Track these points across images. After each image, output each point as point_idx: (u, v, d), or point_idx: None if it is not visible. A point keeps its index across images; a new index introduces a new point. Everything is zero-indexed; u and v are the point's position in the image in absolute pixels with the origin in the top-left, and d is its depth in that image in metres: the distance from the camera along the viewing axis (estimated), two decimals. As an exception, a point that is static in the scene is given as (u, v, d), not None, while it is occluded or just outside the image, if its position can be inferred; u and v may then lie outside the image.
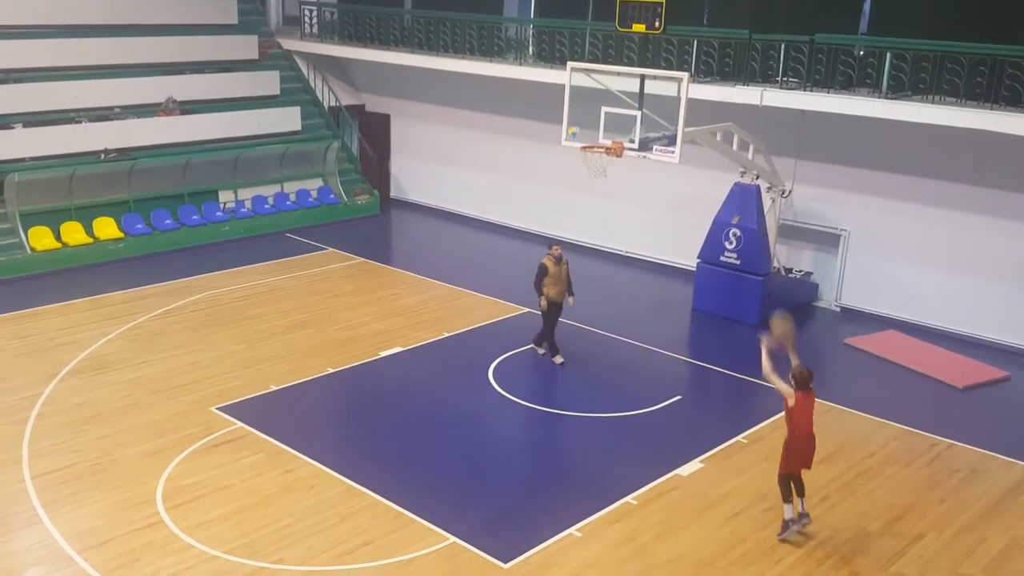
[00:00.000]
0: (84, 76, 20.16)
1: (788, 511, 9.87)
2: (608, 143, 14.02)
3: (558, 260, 13.92)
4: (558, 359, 14.26)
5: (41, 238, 18.07)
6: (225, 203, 21.04)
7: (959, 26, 14.97)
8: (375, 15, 22.60)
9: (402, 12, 22.83)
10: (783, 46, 16.14)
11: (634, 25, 14.54)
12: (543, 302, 13.98)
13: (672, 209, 19.05)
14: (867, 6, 16.51)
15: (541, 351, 14.53)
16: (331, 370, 13.83)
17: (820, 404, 12.98)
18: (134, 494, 10.30)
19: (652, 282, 18.81)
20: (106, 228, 18.88)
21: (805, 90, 15.90)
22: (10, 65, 19.31)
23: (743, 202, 16.22)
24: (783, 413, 9.72)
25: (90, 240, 18.56)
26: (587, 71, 14.73)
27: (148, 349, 14.33)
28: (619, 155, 13.96)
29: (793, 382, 9.55)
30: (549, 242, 14.46)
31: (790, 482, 9.84)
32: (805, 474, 9.92)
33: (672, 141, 13.87)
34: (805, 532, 9.94)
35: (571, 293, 14.18)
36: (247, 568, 9.11)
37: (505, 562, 9.34)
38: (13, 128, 18.61)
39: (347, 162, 23.78)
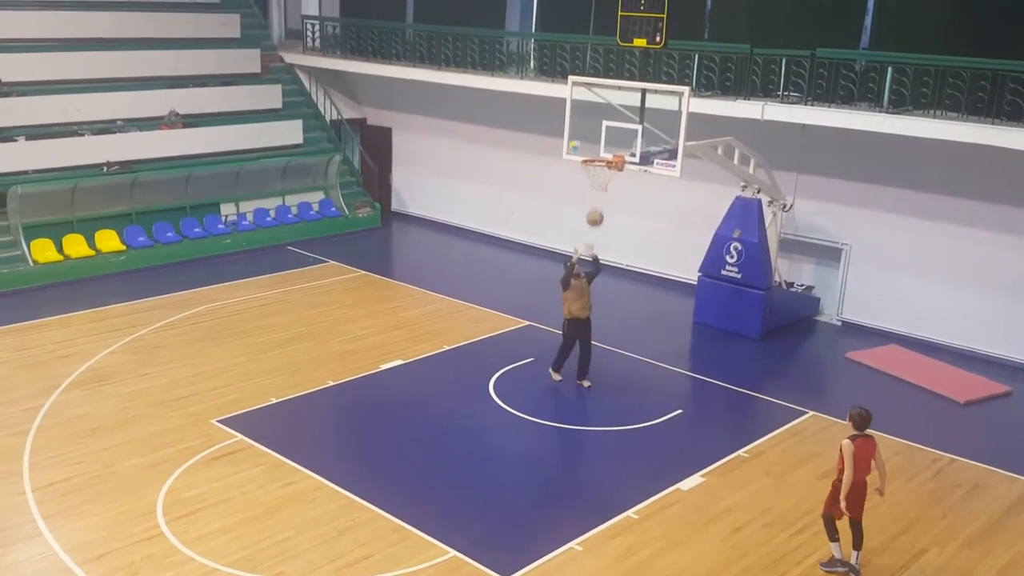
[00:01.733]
0: (87, 89, 20.22)
1: (836, 550, 9.52)
2: (609, 157, 14.04)
3: (578, 275, 13.49)
4: (556, 376, 14.02)
5: (43, 250, 18.09)
6: (227, 216, 21.08)
7: (960, 41, 15.01)
8: (377, 29, 22.68)
9: (404, 26, 22.91)
10: (784, 60, 16.18)
11: (635, 40, 14.57)
12: (575, 265, 13.45)
13: (673, 223, 19.06)
14: (868, 21, 16.57)
15: (587, 382, 13.96)
16: (331, 383, 13.82)
17: (821, 419, 13.06)
18: (134, 507, 10.28)
19: (653, 295, 18.81)
20: (108, 241, 18.91)
21: (806, 104, 15.94)
22: (13, 78, 19.36)
23: (744, 216, 16.24)
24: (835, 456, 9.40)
25: (92, 252, 18.58)
26: (588, 85, 14.76)
27: (149, 362, 14.32)
28: (620, 169, 13.97)
29: (851, 426, 9.23)
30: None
31: (834, 522, 9.50)
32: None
33: (673, 155, 13.88)
34: (807, 546, 9.91)
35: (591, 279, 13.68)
36: (247, 581, 9.10)
37: (505, 576, 9.33)
38: (16, 141, 18.66)
39: (349, 175, 23.83)
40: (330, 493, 10.72)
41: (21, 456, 11.32)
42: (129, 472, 11.04)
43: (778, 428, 12.78)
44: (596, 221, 13.76)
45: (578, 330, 13.70)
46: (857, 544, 9.52)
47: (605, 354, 15.29)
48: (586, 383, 13.97)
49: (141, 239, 19.33)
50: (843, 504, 9.19)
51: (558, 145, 14.95)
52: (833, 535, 9.51)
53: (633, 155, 13.97)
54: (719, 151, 15.18)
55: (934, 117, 14.66)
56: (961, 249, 15.75)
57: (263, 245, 20.91)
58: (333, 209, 22.70)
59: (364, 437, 12.42)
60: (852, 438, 9.20)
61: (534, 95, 19.37)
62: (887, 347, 15.98)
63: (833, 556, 9.56)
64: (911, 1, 16.25)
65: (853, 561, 9.52)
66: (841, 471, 9.18)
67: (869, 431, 9.30)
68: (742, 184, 16.33)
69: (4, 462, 11.16)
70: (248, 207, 21.45)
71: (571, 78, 14.97)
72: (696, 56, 17.10)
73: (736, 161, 15.65)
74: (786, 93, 16.29)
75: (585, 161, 14.28)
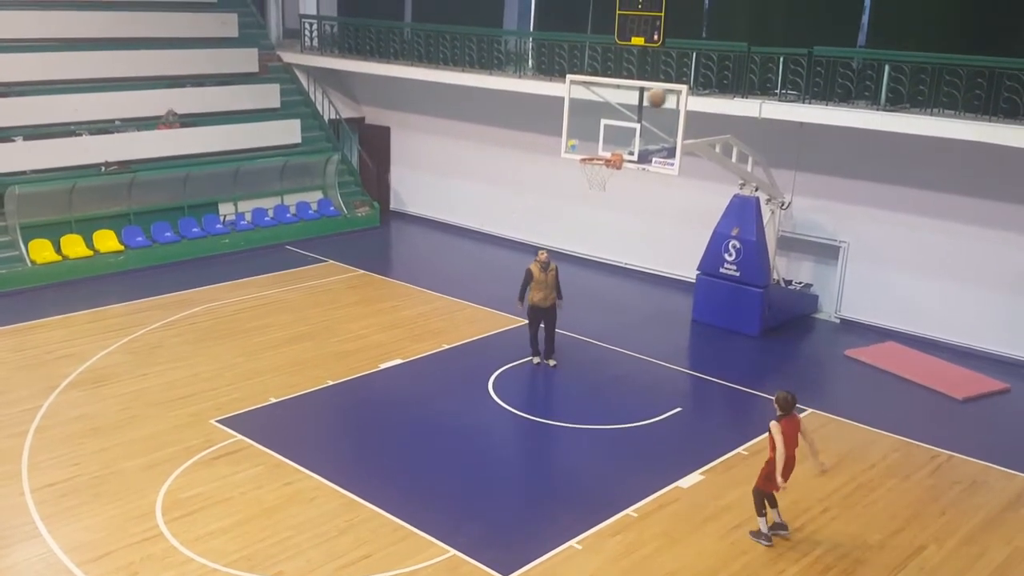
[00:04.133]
0: (85, 89, 20.22)
1: (762, 524, 10.04)
2: (607, 155, 14.06)
3: (544, 266, 14.07)
4: (535, 359, 14.53)
5: (41, 251, 18.09)
6: (225, 216, 21.07)
7: (957, 39, 15.03)
8: (375, 28, 22.68)
9: (402, 25, 22.92)
10: (782, 59, 16.19)
11: (633, 38, 14.58)
12: (519, 305, 14.38)
13: (672, 221, 19.07)
14: (865, 19, 16.57)
15: (552, 361, 14.55)
16: (331, 382, 13.82)
17: (820, 416, 13.07)
18: (133, 507, 10.29)
19: (652, 294, 18.82)
20: (106, 241, 18.91)
21: (804, 102, 15.95)
22: (11, 78, 19.36)
23: (742, 214, 16.25)
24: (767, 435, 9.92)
25: (90, 253, 18.58)
26: (586, 84, 14.78)
27: (147, 362, 14.32)
28: (618, 167, 13.99)
29: (777, 408, 9.75)
30: (549, 254, 14.48)
31: (763, 498, 10.03)
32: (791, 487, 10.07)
33: (671, 153, 13.90)
34: (807, 542, 9.95)
35: (559, 297, 14.34)
36: (247, 581, 9.11)
37: (505, 575, 9.32)
38: (14, 141, 18.66)
39: (347, 174, 23.82)
40: (329, 493, 10.72)
41: (20, 457, 11.32)
42: (128, 473, 11.04)
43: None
44: (659, 101, 13.85)
45: (539, 316, 14.33)
46: (773, 503, 10.13)
47: (604, 352, 15.32)
48: (551, 362, 14.50)
49: (139, 239, 19.33)
50: (780, 480, 9.63)
51: (557, 144, 14.97)
52: (761, 510, 10.02)
53: (631, 153, 14.00)
54: (717, 149, 15.19)
55: (931, 115, 14.67)
56: (958, 246, 15.77)
57: (261, 245, 20.90)
58: (331, 208, 22.70)
59: (363, 437, 12.43)
60: (779, 418, 9.73)
61: (532, 94, 19.38)
62: (885, 344, 16.00)
63: (760, 529, 10.02)
64: (908, -1, 16.30)
65: (777, 518, 10.12)
66: (774, 450, 9.65)
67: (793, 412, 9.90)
68: (740, 182, 16.33)
69: (3, 463, 11.16)
70: (246, 207, 21.43)
71: (569, 77, 14.98)
72: (694, 54, 17.10)
73: (734, 159, 15.66)
74: (784, 91, 16.30)
75: (583, 160, 14.31)
